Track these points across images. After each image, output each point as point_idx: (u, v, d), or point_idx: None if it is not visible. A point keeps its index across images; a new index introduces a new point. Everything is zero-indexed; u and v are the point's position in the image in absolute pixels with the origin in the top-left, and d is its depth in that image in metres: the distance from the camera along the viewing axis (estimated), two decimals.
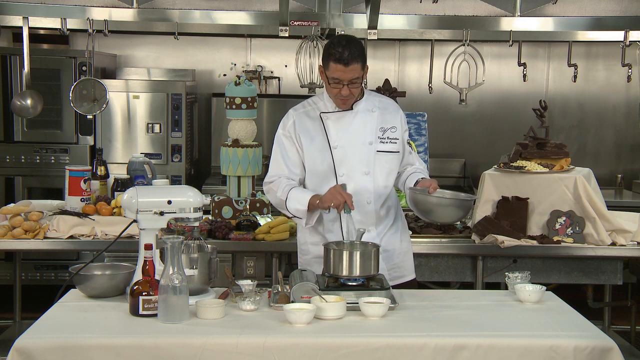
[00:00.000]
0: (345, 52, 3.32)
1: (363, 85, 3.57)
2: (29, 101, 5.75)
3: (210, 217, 4.65)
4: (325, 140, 3.51)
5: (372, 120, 3.55)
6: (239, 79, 4.67)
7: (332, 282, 3.23)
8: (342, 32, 5.86)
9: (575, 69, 6.03)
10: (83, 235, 4.33)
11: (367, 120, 3.54)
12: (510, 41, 5.87)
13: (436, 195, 3.42)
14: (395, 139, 3.57)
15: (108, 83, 5.82)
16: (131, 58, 7.02)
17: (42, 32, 6.31)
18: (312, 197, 3.41)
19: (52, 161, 6.29)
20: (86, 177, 4.53)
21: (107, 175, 4.82)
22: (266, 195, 3.67)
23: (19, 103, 5.77)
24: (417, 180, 3.55)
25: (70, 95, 5.51)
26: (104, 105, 5.57)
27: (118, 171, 5.18)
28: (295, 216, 3.52)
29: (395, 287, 3.50)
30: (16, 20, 5.73)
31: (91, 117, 5.82)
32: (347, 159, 3.50)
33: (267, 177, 3.60)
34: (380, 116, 3.57)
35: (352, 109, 3.52)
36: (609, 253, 4.36)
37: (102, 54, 6.53)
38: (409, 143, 3.68)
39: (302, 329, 2.87)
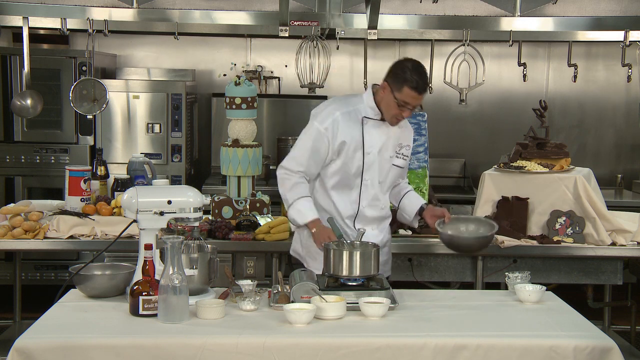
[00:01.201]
0: (421, 81, 3.52)
1: None
2: (29, 101, 5.75)
3: (210, 217, 4.65)
4: (360, 144, 3.64)
5: (396, 135, 3.73)
6: (239, 79, 4.67)
7: (332, 282, 3.23)
8: (342, 32, 5.86)
9: (575, 69, 6.02)
10: (83, 235, 4.33)
11: (394, 135, 3.72)
12: (510, 41, 5.87)
13: (470, 236, 3.70)
14: (406, 156, 3.79)
15: (108, 83, 5.81)
16: (131, 58, 7.02)
17: (42, 32, 6.30)
18: (311, 222, 3.58)
19: (52, 161, 6.29)
20: (86, 177, 4.53)
21: (107, 175, 4.82)
22: (277, 178, 3.74)
23: (19, 103, 5.76)
24: (421, 207, 3.82)
25: (70, 95, 5.51)
26: (104, 105, 5.57)
27: (118, 171, 5.18)
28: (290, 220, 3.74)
29: None
30: (16, 20, 5.72)
31: (91, 117, 5.81)
32: (373, 166, 3.67)
33: (287, 163, 3.70)
34: (402, 133, 3.76)
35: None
36: (609, 253, 4.36)
37: (102, 54, 6.53)
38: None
39: (302, 329, 2.87)
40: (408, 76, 3.50)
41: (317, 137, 3.63)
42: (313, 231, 3.56)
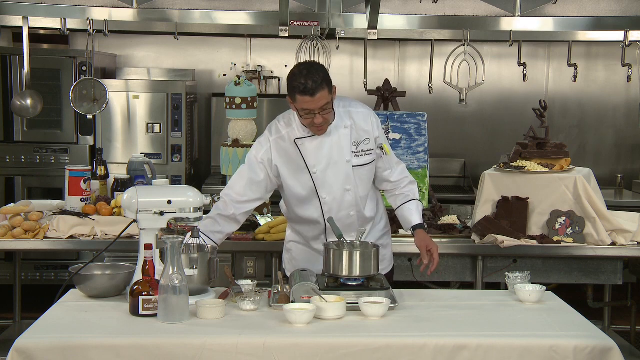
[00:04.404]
0: (308, 82, 3.25)
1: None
2: (29, 101, 5.75)
3: None
4: (303, 165, 3.48)
5: (345, 137, 3.49)
6: (239, 79, 4.67)
7: (332, 282, 3.23)
8: (342, 32, 5.86)
9: (575, 69, 6.02)
10: (83, 235, 4.33)
11: (341, 139, 3.49)
12: (510, 41, 5.87)
13: None
14: (370, 150, 3.54)
15: (108, 83, 5.81)
16: (131, 58, 7.03)
17: (42, 32, 6.30)
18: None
19: (52, 161, 6.29)
20: (86, 177, 4.53)
21: (107, 175, 4.81)
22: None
23: (19, 103, 5.76)
24: (413, 228, 3.57)
25: (70, 95, 5.51)
26: (104, 105, 5.57)
27: (118, 171, 5.18)
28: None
29: None
30: (16, 20, 5.72)
31: (91, 117, 5.81)
32: (327, 180, 3.49)
33: (229, 189, 3.56)
34: (353, 130, 3.52)
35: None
36: (609, 253, 4.36)
37: (102, 54, 6.53)
38: (381, 147, 3.58)
39: (302, 329, 2.87)
40: (295, 83, 3.27)
41: (253, 166, 3.51)
42: None
